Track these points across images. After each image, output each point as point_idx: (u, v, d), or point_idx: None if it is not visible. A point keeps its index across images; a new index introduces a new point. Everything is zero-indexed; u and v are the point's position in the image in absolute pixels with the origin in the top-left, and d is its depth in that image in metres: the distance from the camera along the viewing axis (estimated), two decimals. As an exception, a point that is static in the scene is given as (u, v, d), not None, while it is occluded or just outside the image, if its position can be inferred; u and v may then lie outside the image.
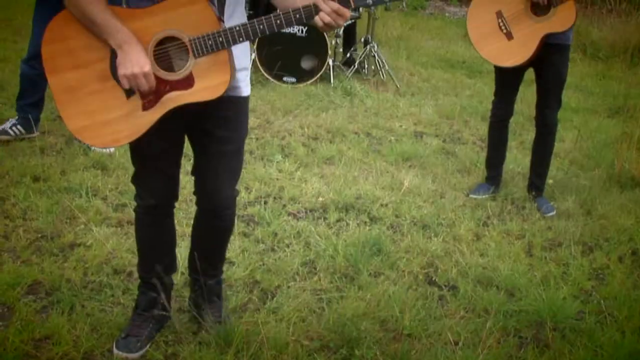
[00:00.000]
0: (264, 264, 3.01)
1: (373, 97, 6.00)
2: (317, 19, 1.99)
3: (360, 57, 6.62)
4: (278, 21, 1.97)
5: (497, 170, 4.18)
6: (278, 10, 2.05)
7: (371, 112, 5.61)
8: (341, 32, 6.57)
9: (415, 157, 4.59)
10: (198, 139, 2.32)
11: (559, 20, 3.60)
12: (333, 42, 6.51)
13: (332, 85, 6.15)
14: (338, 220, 3.53)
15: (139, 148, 2.27)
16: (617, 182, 4.45)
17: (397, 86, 6.44)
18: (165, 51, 2.04)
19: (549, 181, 4.25)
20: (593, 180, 4.44)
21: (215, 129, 2.26)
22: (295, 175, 4.03)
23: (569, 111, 6.14)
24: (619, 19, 9.03)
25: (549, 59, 3.74)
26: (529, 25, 3.66)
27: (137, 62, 1.98)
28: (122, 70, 2.00)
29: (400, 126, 5.34)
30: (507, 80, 3.94)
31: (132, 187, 3.60)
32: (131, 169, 3.81)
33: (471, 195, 4.07)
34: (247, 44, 2.22)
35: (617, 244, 3.57)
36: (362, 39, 6.83)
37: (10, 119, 4.15)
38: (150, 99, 2.06)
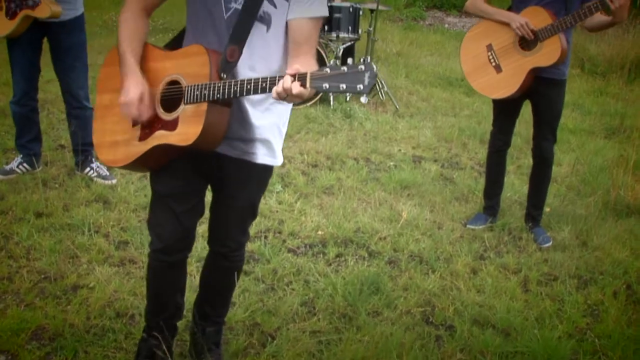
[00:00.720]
0: (264, 305, 3.05)
1: (372, 119, 6.06)
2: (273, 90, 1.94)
3: (360, 78, 6.66)
4: (249, 86, 2.01)
5: (494, 200, 4.23)
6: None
7: (370, 135, 5.66)
8: (340, 53, 6.63)
9: (413, 185, 4.64)
10: (213, 185, 2.41)
11: (546, 55, 3.66)
12: (332, 63, 6.56)
13: (332, 107, 6.21)
14: (337, 256, 3.58)
15: (154, 186, 2.34)
16: (612, 210, 4.50)
17: (396, 107, 6.50)
18: (174, 92, 2.16)
19: (546, 209, 4.30)
20: (589, 209, 4.50)
21: (226, 185, 2.34)
22: (294, 207, 4.08)
23: (566, 132, 6.21)
24: (616, 34, 9.08)
25: (545, 93, 3.81)
26: (517, 59, 3.72)
27: (126, 92, 2.13)
28: (119, 99, 2.16)
29: (399, 150, 5.40)
30: (504, 112, 4.00)
31: (133, 223, 3.69)
32: (133, 203, 3.92)
33: (469, 226, 4.12)
34: (284, 121, 2.32)
35: (611, 277, 3.62)
36: (362, 60, 6.88)
37: (16, 158, 4.20)
38: (146, 131, 2.20)
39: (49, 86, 5.62)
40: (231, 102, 2.12)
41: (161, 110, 2.17)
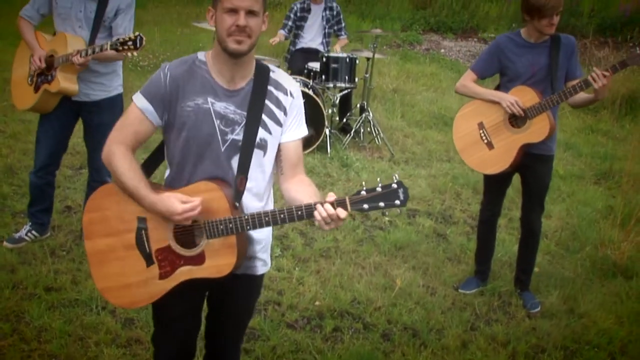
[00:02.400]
0: (264, 389, 3.22)
1: (368, 168, 6.22)
2: (315, 214, 2.11)
3: (357, 125, 6.84)
4: (282, 216, 2.17)
5: (485, 265, 4.40)
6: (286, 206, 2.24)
7: (366, 187, 5.82)
8: (337, 101, 6.80)
9: (408, 245, 4.81)
10: (213, 298, 2.54)
11: (535, 132, 3.84)
12: (329, 110, 6.74)
13: (329, 155, 6.38)
14: (334, 330, 3.74)
15: (159, 311, 2.48)
16: (599, 270, 4.67)
17: (391, 153, 6.67)
18: (186, 229, 2.28)
19: (535, 269, 4.47)
20: (577, 269, 4.66)
21: (227, 299, 2.49)
22: (293, 274, 4.25)
23: (557, 178, 6.37)
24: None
25: (533, 167, 3.99)
26: (507, 136, 3.90)
27: (174, 207, 2.17)
28: (174, 218, 2.19)
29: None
30: (494, 185, 4.18)
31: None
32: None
33: (460, 290, 4.29)
34: (268, 241, 2.48)
35: (597, 348, 3.79)
36: (358, 105, 7.05)
37: (25, 226, 4.36)
38: (167, 270, 2.30)
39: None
40: None
41: (178, 246, 2.27)
